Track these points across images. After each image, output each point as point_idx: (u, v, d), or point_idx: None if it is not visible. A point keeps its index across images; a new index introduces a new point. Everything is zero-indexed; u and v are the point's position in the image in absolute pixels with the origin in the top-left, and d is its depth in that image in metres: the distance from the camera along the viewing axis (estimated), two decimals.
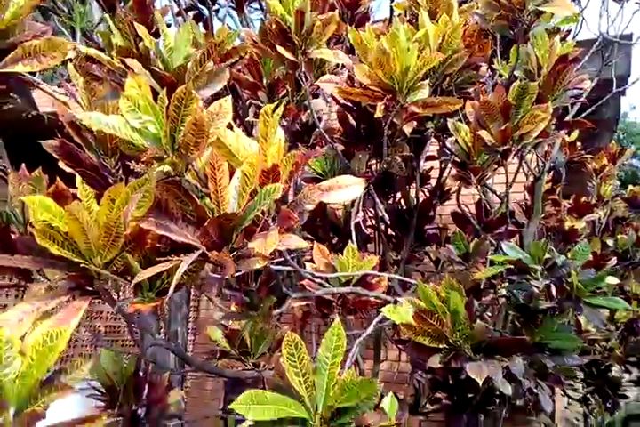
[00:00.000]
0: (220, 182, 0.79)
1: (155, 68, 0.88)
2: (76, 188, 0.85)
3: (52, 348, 0.71)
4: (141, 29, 0.88)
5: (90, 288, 0.84)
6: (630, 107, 12.68)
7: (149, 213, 0.79)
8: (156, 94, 0.76)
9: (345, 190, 0.98)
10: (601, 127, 4.83)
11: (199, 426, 1.89)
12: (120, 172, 1.20)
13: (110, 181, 1.19)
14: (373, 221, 2.31)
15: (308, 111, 1.92)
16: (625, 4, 2.43)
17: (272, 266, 1.06)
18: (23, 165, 0.98)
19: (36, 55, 0.85)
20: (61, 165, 1.15)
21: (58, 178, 0.91)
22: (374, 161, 2.08)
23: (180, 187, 0.81)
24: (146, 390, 1.57)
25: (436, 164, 2.35)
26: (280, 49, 1.35)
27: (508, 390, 1.33)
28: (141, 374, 1.55)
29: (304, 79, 1.56)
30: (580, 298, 1.31)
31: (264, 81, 1.83)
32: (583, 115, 2.67)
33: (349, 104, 1.85)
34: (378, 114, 1.34)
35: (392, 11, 2.24)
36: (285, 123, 1.94)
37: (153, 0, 1.46)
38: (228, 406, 0.92)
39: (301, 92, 1.89)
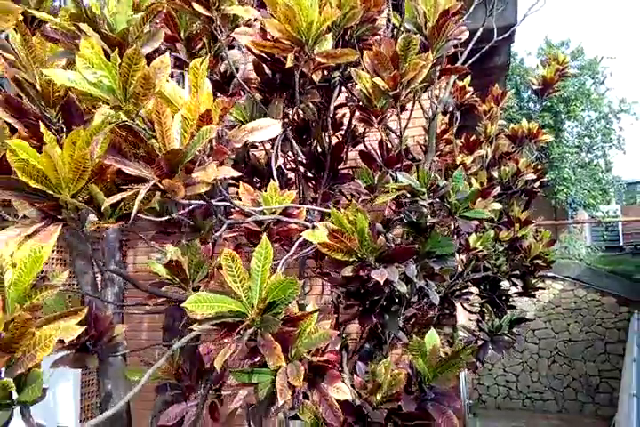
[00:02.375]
0: (165, 125, 0.99)
1: (103, 31, 1.03)
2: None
3: (37, 259, 0.90)
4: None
5: (60, 216, 1.03)
6: (527, 53, 13.56)
7: (108, 153, 0.98)
8: (105, 54, 0.93)
9: (266, 130, 1.21)
10: (495, 73, 5.30)
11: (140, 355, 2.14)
12: (59, 121, 1.35)
13: (52, 129, 1.33)
14: (293, 165, 2.56)
15: (226, 62, 2.08)
16: None
17: (213, 201, 1.28)
18: None
19: None
20: (4, 116, 1.28)
21: (20, 128, 1.05)
22: (290, 109, 2.30)
23: (130, 130, 1.00)
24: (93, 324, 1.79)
25: (347, 112, 2.61)
26: (196, 6, 1.50)
27: (404, 288, 1.68)
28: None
29: (220, 32, 1.71)
30: (456, 212, 1.66)
31: (181, 34, 1.95)
32: (474, 58, 2.98)
33: (264, 55, 2.03)
34: (289, 64, 1.55)
35: None
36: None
37: None
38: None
39: (217, 44, 2.03)
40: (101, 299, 2.09)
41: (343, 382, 1.25)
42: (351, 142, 2.73)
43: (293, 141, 2.34)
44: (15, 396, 0.83)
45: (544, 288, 4.22)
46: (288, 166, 2.62)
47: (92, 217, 1.03)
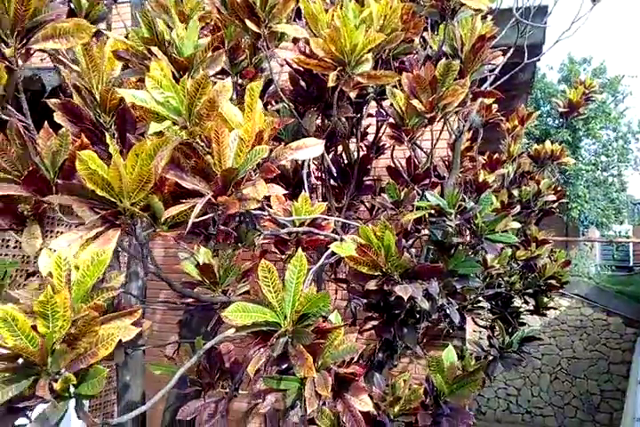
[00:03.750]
0: (222, 144, 1.05)
1: (171, 54, 1.10)
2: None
3: (100, 262, 0.97)
4: (161, 24, 1.07)
5: (117, 222, 1.09)
6: (548, 68, 13.54)
7: (168, 167, 1.04)
8: (172, 76, 1.00)
9: (309, 149, 1.27)
10: (518, 89, 5.34)
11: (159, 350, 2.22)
12: (113, 127, 1.42)
13: (107, 135, 1.40)
14: (317, 173, 2.62)
15: (265, 73, 2.14)
16: None
17: (253, 211, 1.34)
18: (46, 123, 1.17)
19: (65, 35, 1.03)
20: (60, 120, 1.35)
21: (83, 135, 1.12)
22: (319, 119, 2.36)
23: (189, 146, 1.06)
24: None
25: (373, 121, 2.66)
26: (248, 22, 1.56)
27: (426, 305, 1.73)
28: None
29: (265, 47, 1.77)
30: (482, 235, 1.70)
31: (225, 44, 2.01)
32: (503, 79, 3.03)
33: (301, 69, 2.09)
34: (330, 83, 1.61)
35: None
36: (244, 82, 2.15)
37: None
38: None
39: (258, 56, 2.10)
40: (128, 293, 2.16)
41: (368, 395, 1.30)
42: (375, 155, 2.79)
43: (324, 151, 2.40)
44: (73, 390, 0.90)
45: (555, 308, 4.24)
46: (314, 174, 2.67)
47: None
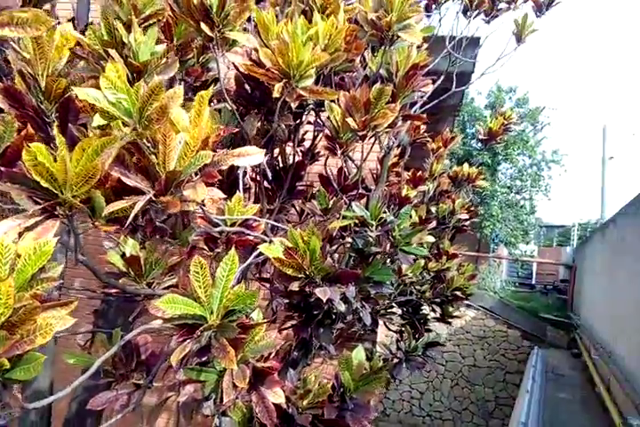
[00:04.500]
0: (168, 147, 1.12)
1: (128, 58, 1.14)
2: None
3: (43, 253, 1.01)
4: (120, 27, 1.12)
5: (56, 213, 1.12)
6: (477, 93, 14.45)
7: (113, 164, 1.09)
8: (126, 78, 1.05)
9: (250, 157, 1.36)
10: (446, 112, 5.71)
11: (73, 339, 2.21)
12: (54, 115, 1.43)
13: (54, 127, 1.41)
14: (252, 174, 2.70)
15: (211, 73, 2.21)
16: (471, 19, 3.03)
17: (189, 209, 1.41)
18: None
19: (22, 24, 1.05)
20: (3, 104, 1.36)
21: (28, 124, 1.14)
22: (259, 122, 2.45)
23: (136, 146, 1.12)
24: None
25: (311, 127, 2.79)
26: (203, 25, 1.63)
27: (342, 307, 1.87)
28: None
29: (215, 50, 1.84)
30: (398, 246, 1.87)
31: (174, 41, 2.05)
32: (432, 104, 3.27)
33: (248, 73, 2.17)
34: (276, 94, 1.71)
35: None
36: (189, 80, 2.19)
37: None
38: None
39: (206, 56, 2.15)
40: None
41: (281, 388, 1.41)
42: (309, 162, 2.91)
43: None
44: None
45: (459, 317, 4.57)
46: (249, 175, 2.75)
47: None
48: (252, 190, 2.76)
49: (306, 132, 2.89)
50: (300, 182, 2.83)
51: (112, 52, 1.09)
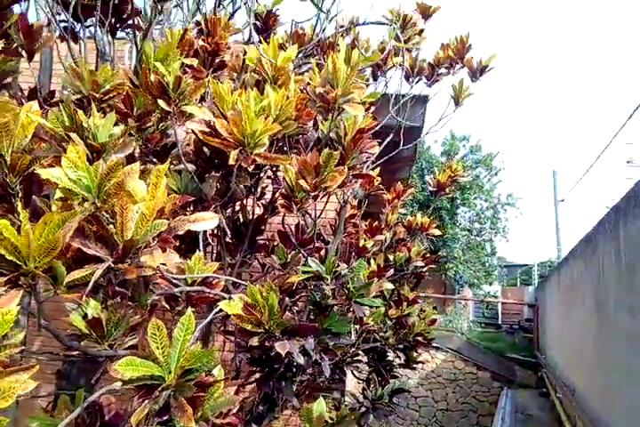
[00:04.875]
0: (125, 217, 1.21)
1: (87, 139, 1.25)
2: None
3: (6, 320, 1.06)
4: (80, 114, 1.24)
5: (19, 283, 1.19)
6: (433, 141, 15.22)
7: (75, 235, 1.18)
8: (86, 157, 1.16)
9: (206, 222, 1.47)
10: (402, 162, 6.00)
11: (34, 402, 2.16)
12: (17, 187, 1.51)
13: (12, 193, 1.49)
14: (214, 230, 2.79)
15: (170, 139, 2.33)
16: (414, 84, 3.31)
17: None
18: None
19: None
20: None
21: None
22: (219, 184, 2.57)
23: (95, 218, 1.21)
24: None
25: (269, 181, 2.93)
26: (160, 102, 1.77)
27: (301, 360, 1.93)
28: None
29: (174, 119, 1.98)
30: (352, 298, 1.97)
31: (134, 111, 2.19)
32: (385, 158, 3.47)
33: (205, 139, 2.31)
34: (231, 161, 1.84)
35: (244, 62, 2.76)
36: (149, 146, 2.31)
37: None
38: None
39: (164, 124, 2.29)
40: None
41: None
42: (269, 215, 3.03)
43: (219, 211, 2.59)
44: None
45: (423, 362, 4.63)
46: (209, 231, 2.84)
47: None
48: (213, 245, 2.85)
49: (267, 186, 3.03)
50: (261, 236, 2.93)
51: (73, 135, 1.20)
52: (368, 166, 3.11)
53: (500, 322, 14.41)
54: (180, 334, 1.46)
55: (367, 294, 2.07)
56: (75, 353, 1.84)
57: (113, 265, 1.20)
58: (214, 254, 2.94)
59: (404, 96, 3.67)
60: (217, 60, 2.61)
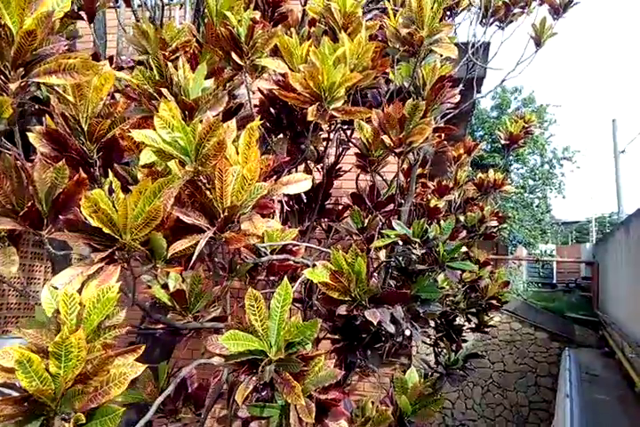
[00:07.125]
0: (225, 182, 1.09)
1: (179, 96, 1.13)
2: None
3: (108, 300, 0.98)
4: (171, 68, 1.11)
5: (115, 258, 1.10)
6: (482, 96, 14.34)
7: (174, 204, 1.07)
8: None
9: (299, 184, 1.34)
10: (460, 118, 5.69)
11: None
12: (95, 155, 1.42)
13: (90, 162, 1.40)
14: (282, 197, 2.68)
15: (236, 100, 2.20)
16: (488, 26, 3.01)
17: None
18: (39, 155, 1.17)
19: (69, 71, 1.04)
20: (44, 147, 1.34)
21: (81, 170, 1.12)
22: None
23: (193, 184, 1.10)
24: None
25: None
26: (233, 55, 1.62)
27: (392, 328, 1.82)
28: None
29: (245, 77, 1.83)
30: (444, 262, 1.83)
31: None
32: (454, 112, 3.24)
33: (273, 97, 2.15)
34: (310, 117, 1.69)
35: (304, 14, 2.56)
36: None
37: None
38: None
39: (231, 83, 2.14)
40: None
41: (345, 419, 1.36)
42: (334, 178, 2.89)
43: None
44: None
45: (495, 326, 4.49)
46: (277, 198, 2.73)
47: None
48: (282, 212, 2.74)
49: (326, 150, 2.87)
50: (329, 201, 2.80)
51: (164, 90, 1.08)
52: (437, 121, 2.89)
53: (555, 281, 14.02)
54: (278, 305, 1.36)
55: (458, 258, 1.92)
56: (159, 327, 1.79)
57: (216, 234, 1.10)
58: (281, 221, 2.84)
59: (468, 44, 3.38)
60: (276, 14, 2.41)
